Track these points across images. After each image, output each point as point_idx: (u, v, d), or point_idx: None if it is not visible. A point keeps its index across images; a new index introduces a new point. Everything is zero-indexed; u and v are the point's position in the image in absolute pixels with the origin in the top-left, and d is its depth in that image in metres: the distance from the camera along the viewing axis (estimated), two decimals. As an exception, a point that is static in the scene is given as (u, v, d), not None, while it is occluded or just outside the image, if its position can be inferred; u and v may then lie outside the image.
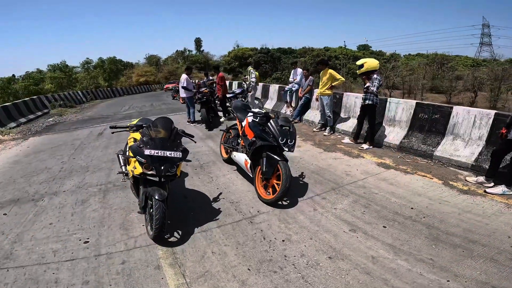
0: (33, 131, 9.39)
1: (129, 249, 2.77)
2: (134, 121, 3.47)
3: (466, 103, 12.81)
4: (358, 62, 5.47)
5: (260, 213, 3.33)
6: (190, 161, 2.96)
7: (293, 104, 8.48)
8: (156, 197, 2.62)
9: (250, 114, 3.85)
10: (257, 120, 3.60)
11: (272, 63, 31.66)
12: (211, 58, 48.01)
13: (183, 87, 7.94)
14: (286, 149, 3.33)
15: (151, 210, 2.69)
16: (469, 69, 21.24)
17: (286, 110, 8.67)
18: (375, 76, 5.22)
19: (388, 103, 5.57)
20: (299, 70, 8.30)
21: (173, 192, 3.77)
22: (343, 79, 6.56)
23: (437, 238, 2.73)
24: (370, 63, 5.28)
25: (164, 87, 27.52)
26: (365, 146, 5.45)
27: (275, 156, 3.36)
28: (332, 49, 35.39)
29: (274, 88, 9.79)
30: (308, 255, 2.58)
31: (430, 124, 4.86)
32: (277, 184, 3.44)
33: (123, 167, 3.40)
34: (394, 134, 5.36)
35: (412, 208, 3.29)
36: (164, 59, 48.20)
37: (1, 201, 3.95)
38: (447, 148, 4.56)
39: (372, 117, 5.36)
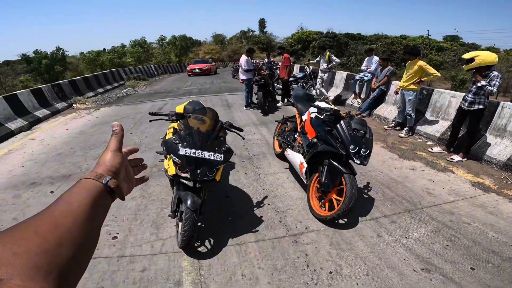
0: (106, 101, 10.16)
1: (154, 253, 2.47)
2: (182, 105, 3.08)
3: None
4: (466, 56, 4.19)
5: (309, 230, 2.74)
6: (234, 163, 2.48)
7: (362, 96, 7.37)
8: (188, 205, 2.21)
9: (313, 108, 3.14)
10: (322, 117, 2.89)
11: (338, 48, 29.68)
12: (273, 40, 47.08)
13: (244, 70, 7.46)
14: (357, 162, 2.57)
15: (182, 217, 2.30)
16: None
17: (353, 102, 7.60)
18: (495, 73, 3.95)
19: (500, 107, 4.22)
20: (375, 58, 7.11)
21: (215, 190, 3.43)
22: (438, 74, 5.24)
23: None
24: (485, 56, 3.99)
25: (188, 68, 20.26)
26: (456, 157, 4.27)
27: (340, 167, 2.65)
28: (410, 38, 31.51)
29: (341, 75, 8.68)
30: (359, 298, 1.95)
31: None
32: (336, 200, 2.76)
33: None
34: (500, 148, 4.06)
35: None
36: (228, 39, 48.92)
37: (54, 176, 4.00)
38: None
39: (476, 124, 4.15)
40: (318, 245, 2.54)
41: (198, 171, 2.17)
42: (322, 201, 2.92)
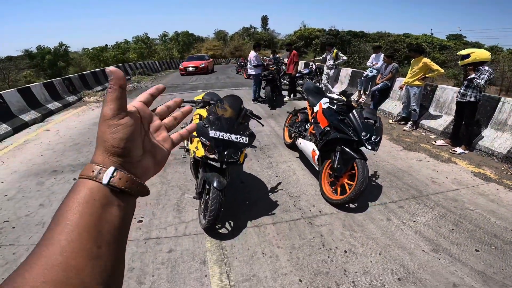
0: (113, 95, 10.31)
1: (179, 235, 2.64)
2: (201, 95, 3.27)
3: None
4: (463, 52, 4.42)
5: (322, 214, 2.93)
6: (256, 147, 2.64)
7: (367, 92, 7.54)
8: (215, 185, 2.37)
9: (326, 99, 3.33)
10: (334, 107, 3.09)
11: (341, 45, 29.73)
12: (276, 37, 47.11)
13: (253, 65, 7.57)
14: (369, 147, 2.76)
15: (207, 198, 2.47)
16: None
17: (358, 99, 7.77)
18: (485, 68, 4.17)
19: (501, 103, 4.42)
20: (382, 56, 7.27)
21: (231, 175, 3.60)
22: (442, 70, 5.43)
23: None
24: (480, 53, 4.24)
25: (181, 66, 17.28)
26: (458, 149, 4.46)
27: (352, 153, 2.84)
28: (413, 36, 31.47)
29: (346, 71, 8.86)
30: (373, 273, 2.15)
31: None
32: (348, 184, 2.95)
33: (185, 141, 3.28)
34: (501, 141, 4.26)
35: None
36: (231, 35, 48.93)
37: (74, 164, 4.16)
38: None
39: (471, 117, 4.35)
40: (332, 227, 2.70)
41: (226, 153, 2.37)
42: (334, 187, 3.12)
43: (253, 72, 7.69)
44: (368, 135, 2.75)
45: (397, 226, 2.74)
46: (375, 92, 6.80)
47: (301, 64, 12.18)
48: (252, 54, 7.58)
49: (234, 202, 3.11)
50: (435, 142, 4.85)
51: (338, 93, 8.28)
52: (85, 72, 11.46)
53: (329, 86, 8.26)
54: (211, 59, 20.10)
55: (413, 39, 29.88)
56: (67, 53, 34.31)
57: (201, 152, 2.46)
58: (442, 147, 4.69)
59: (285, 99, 7.93)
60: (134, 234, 2.62)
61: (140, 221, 2.81)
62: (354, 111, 2.93)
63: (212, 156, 2.42)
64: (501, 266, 2.23)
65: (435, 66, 5.32)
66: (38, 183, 3.64)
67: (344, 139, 2.91)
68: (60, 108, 8.06)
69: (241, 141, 2.39)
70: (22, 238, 2.59)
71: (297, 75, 8.77)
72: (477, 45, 33.70)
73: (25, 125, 6.39)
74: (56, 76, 14.50)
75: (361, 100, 7.62)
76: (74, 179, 3.71)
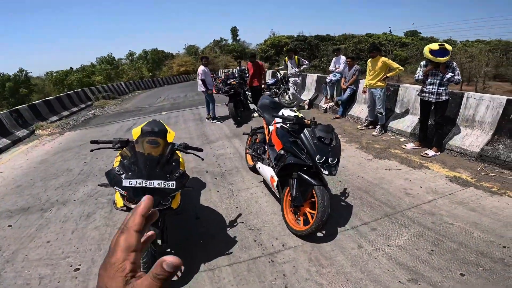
0: (71, 125, 9.57)
1: None
2: (140, 126, 2.81)
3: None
4: (436, 45, 3.98)
5: (286, 247, 2.56)
6: (191, 188, 2.32)
7: (334, 97, 7.35)
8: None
9: (278, 118, 2.96)
10: (286, 126, 2.72)
11: (309, 50, 30.22)
12: (247, 47, 47.42)
13: (201, 80, 7.00)
14: (326, 172, 2.39)
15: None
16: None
17: (325, 106, 7.56)
18: (454, 64, 3.99)
19: (465, 98, 4.25)
20: (343, 58, 7.11)
21: (186, 210, 3.19)
22: (402, 68, 5.29)
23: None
24: (450, 47, 3.99)
25: None
26: (430, 152, 4.24)
27: (310, 179, 2.48)
28: (375, 36, 32.55)
29: (312, 78, 8.67)
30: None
31: (530, 127, 3.52)
32: (310, 213, 2.58)
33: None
34: (472, 138, 4.07)
35: (504, 247, 2.34)
36: (202, 49, 48.71)
37: (12, 209, 3.80)
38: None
39: (444, 116, 4.15)
40: (296, 263, 2.38)
41: None
42: (298, 215, 2.74)
43: (202, 89, 7.11)
44: (324, 157, 2.39)
45: (369, 254, 2.41)
46: (344, 100, 6.61)
47: (268, 73, 12.00)
48: (201, 69, 7.01)
49: (187, 241, 2.76)
50: (405, 146, 4.62)
51: (307, 101, 8.08)
52: (36, 102, 10.41)
53: (298, 95, 8.02)
54: None
55: (375, 38, 30.85)
56: (29, 79, 32.50)
57: (120, 203, 2.04)
58: (412, 150, 4.46)
59: (253, 115, 7.49)
60: (69, 284, 2.33)
61: (77, 269, 2.50)
62: (305, 131, 2.55)
63: (133, 206, 1.97)
64: (491, 291, 1.92)
65: (395, 64, 5.18)
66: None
67: (300, 163, 2.53)
68: (10, 145, 7.29)
69: (166, 186, 1.95)
70: None
71: (264, 86, 8.48)
72: (432, 40, 35.33)
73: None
74: (20, 104, 13.44)
75: (328, 106, 7.42)
76: (10, 225, 3.36)
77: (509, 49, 19.25)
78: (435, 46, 3.97)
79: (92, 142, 2.22)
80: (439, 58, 3.90)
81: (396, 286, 2.06)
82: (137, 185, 1.87)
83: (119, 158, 2.16)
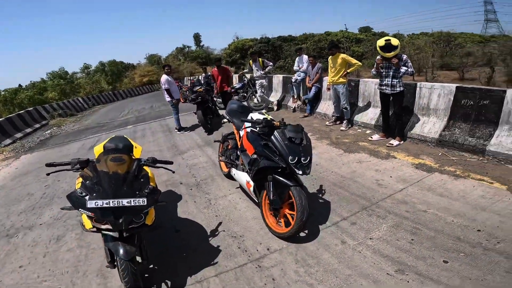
0: (26, 147, 8.79)
1: None
2: (102, 143, 2.63)
3: (483, 79, 11.97)
4: (382, 41, 4.23)
5: (271, 251, 2.54)
6: (165, 203, 2.23)
7: (301, 95, 7.52)
8: (121, 255, 1.89)
9: (248, 122, 2.94)
10: (256, 130, 2.71)
11: (273, 52, 30.67)
12: (212, 52, 46.99)
13: (165, 89, 6.74)
14: (300, 172, 2.41)
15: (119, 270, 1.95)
16: (478, 46, 21.07)
17: (293, 105, 7.71)
18: (405, 56, 4.24)
19: (418, 88, 4.56)
20: (305, 57, 7.31)
21: (163, 224, 3.08)
22: (360, 63, 5.55)
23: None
24: (398, 42, 4.24)
25: None
26: (394, 142, 4.48)
27: (285, 180, 2.48)
28: (333, 33, 33.95)
29: (278, 79, 8.81)
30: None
31: (478, 112, 3.85)
32: (290, 214, 2.58)
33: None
34: (430, 126, 4.38)
35: (479, 231, 2.43)
36: (164, 58, 47.41)
37: None
38: (503, 141, 3.57)
39: (401, 107, 4.40)
40: (284, 266, 2.36)
41: (121, 220, 1.82)
42: (278, 218, 2.73)
43: (168, 99, 6.86)
44: (296, 158, 2.41)
45: (353, 248, 2.45)
46: (311, 98, 6.78)
47: (235, 78, 11.99)
48: (163, 78, 6.73)
49: (169, 256, 2.65)
50: (371, 137, 4.85)
51: (276, 103, 8.18)
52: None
53: (266, 97, 8.08)
54: None
55: (333, 36, 32.11)
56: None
57: (88, 225, 1.91)
58: (378, 141, 4.69)
59: (223, 121, 7.36)
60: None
61: (57, 294, 2.34)
62: (275, 133, 2.56)
63: (104, 227, 1.85)
64: (478, 276, 1.99)
65: (353, 60, 5.42)
66: None
67: (274, 166, 2.54)
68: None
69: (137, 204, 1.84)
70: None
71: (231, 90, 8.44)
72: (383, 34, 37.66)
73: None
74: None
75: (296, 105, 7.57)
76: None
77: (450, 39, 20.95)
78: (382, 42, 4.27)
79: (48, 165, 2.03)
80: (386, 54, 4.19)
81: (385, 278, 2.10)
82: (104, 205, 1.75)
83: (80, 179, 2.00)
